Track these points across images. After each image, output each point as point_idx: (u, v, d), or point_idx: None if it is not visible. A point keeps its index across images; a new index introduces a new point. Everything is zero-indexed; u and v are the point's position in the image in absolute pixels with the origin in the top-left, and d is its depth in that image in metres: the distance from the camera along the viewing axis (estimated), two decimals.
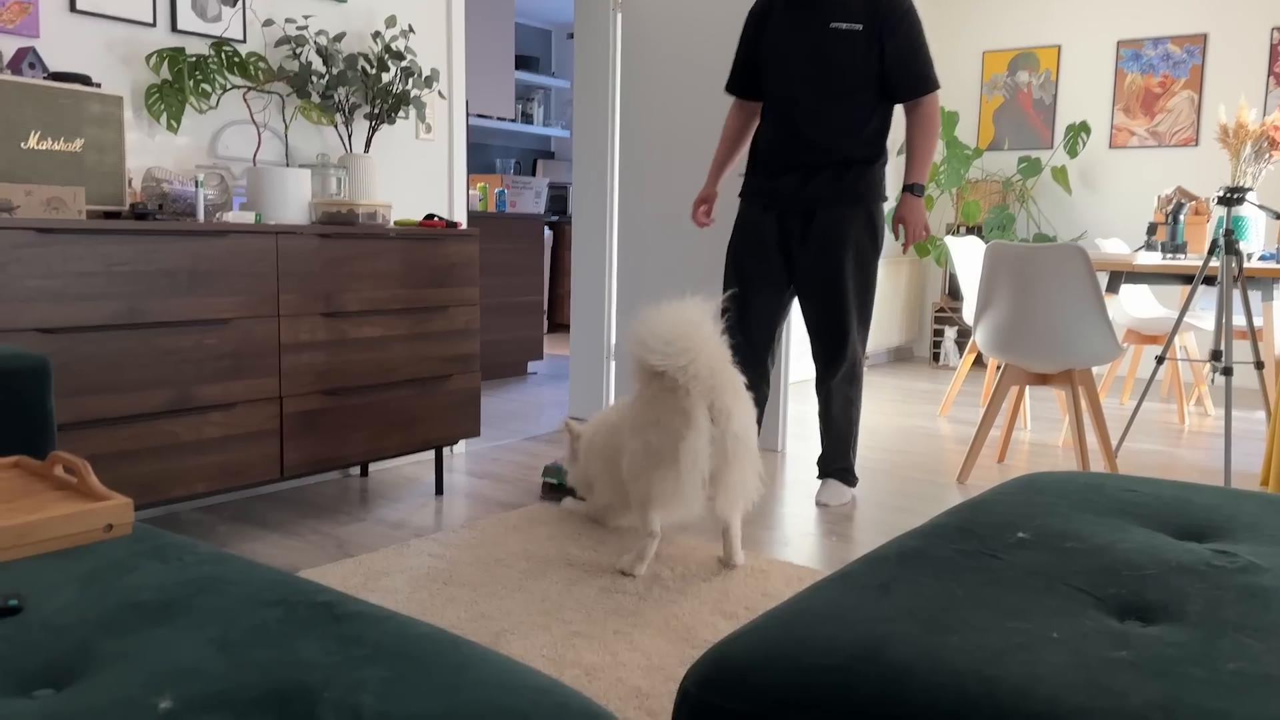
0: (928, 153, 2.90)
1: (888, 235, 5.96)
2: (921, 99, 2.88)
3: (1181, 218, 4.02)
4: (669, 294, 3.97)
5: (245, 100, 2.94)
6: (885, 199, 2.99)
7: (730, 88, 3.12)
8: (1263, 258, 3.85)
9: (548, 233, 6.82)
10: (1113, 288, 3.79)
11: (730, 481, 2.27)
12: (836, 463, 3.08)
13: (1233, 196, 3.26)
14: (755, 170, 3.04)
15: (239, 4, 2.88)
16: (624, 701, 1.72)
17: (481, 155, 7.46)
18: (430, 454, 3.52)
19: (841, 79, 2.86)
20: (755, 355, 3.07)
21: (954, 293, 6.36)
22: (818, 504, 3.03)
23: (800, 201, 2.95)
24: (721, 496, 2.29)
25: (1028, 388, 4.55)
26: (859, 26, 2.82)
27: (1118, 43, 5.88)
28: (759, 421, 3.16)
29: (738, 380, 2.28)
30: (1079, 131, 5.83)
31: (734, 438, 2.23)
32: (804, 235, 2.96)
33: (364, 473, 3.32)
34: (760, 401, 3.19)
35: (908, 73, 2.85)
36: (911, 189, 2.89)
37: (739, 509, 2.36)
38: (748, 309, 3.05)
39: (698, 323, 2.21)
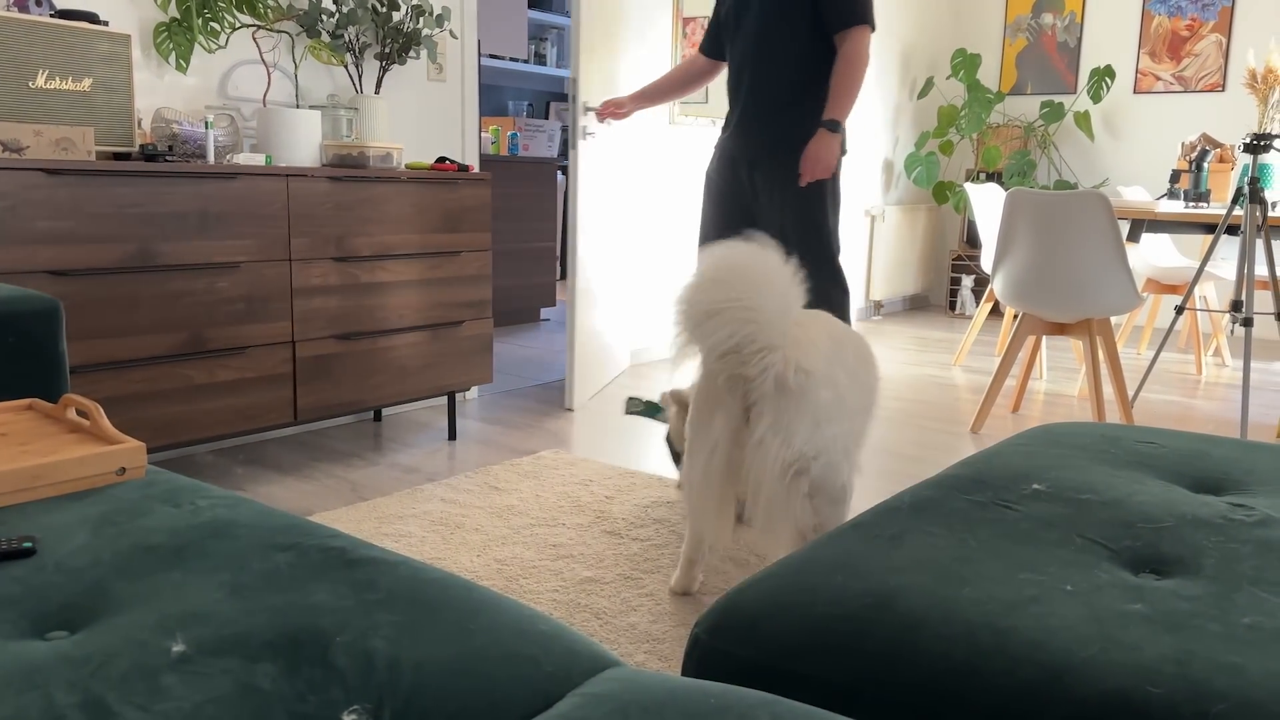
0: (846, 89, 2.77)
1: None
2: (846, 32, 2.76)
3: (1206, 165, 3.94)
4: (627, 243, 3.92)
5: (254, 39, 2.90)
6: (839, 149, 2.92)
7: (701, 48, 3.08)
8: None
9: (560, 177, 6.76)
10: (1134, 236, 3.74)
11: (758, 513, 1.69)
12: None
13: (1259, 144, 3.19)
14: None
15: None
16: (634, 647, 1.74)
17: (493, 97, 7.37)
18: (443, 399, 3.53)
19: (774, 16, 2.79)
20: None
21: (972, 240, 6.29)
22: None
23: (748, 149, 2.91)
24: (754, 522, 1.72)
25: (1044, 337, 4.52)
26: None
27: None
28: None
29: (795, 391, 1.66)
30: (1103, 76, 5.70)
31: (769, 459, 1.64)
32: (752, 183, 2.94)
33: (377, 417, 3.33)
34: None
35: (832, 4, 2.75)
36: (825, 124, 2.78)
37: (775, 544, 1.72)
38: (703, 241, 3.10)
39: (754, 281, 1.65)
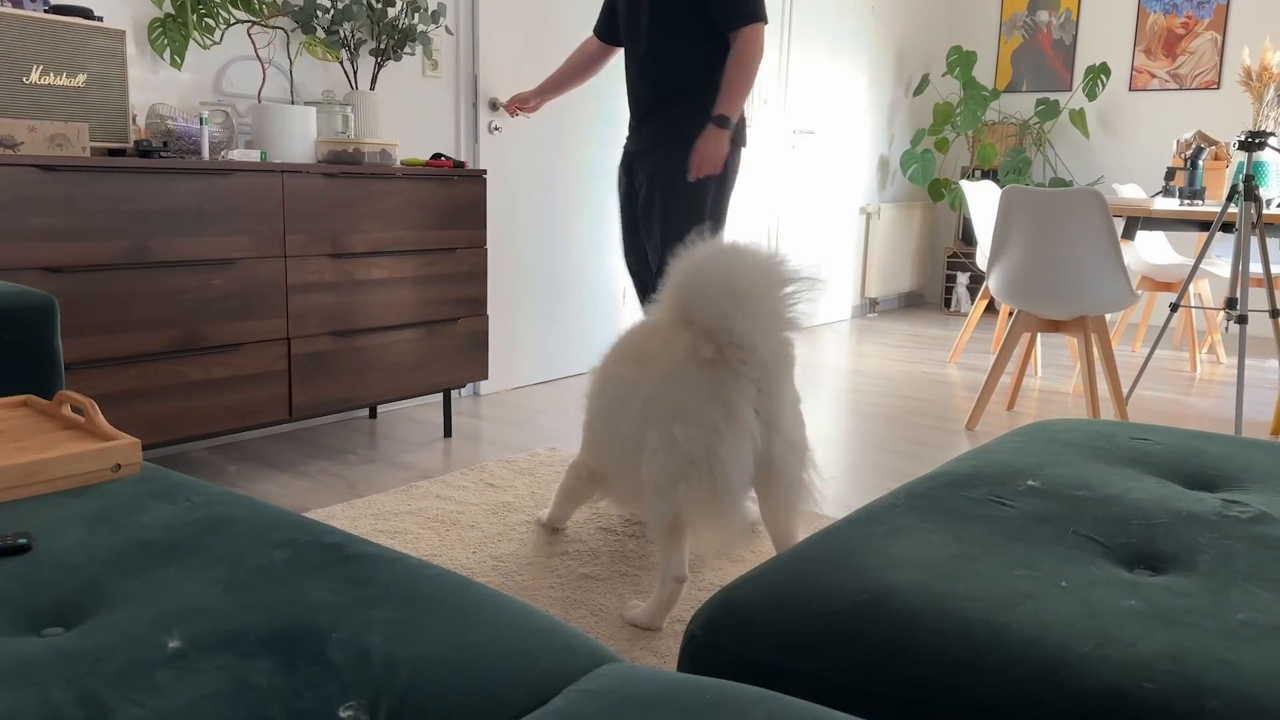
0: (737, 86, 2.78)
1: None
2: (738, 31, 2.77)
3: (1201, 163, 3.95)
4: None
5: (249, 35, 2.89)
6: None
7: (595, 30, 3.10)
8: None
9: None
10: (1129, 234, 3.74)
11: (778, 498, 1.77)
12: None
13: (1254, 141, 3.20)
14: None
15: None
16: (630, 643, 1.74)
17: None
18: (438, 396, 3.53)
19: (664, 16, 2.79)
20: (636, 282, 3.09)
21: (967, 238, 6.30)
22: None
23: (636, 145, 2.92)
24: (772, 515, 1.81)
25: (1039, 334, 4.53)
26: None
27: None
28: None
29: (791, 362, 1.74)
30: (1098, 73, 5.71)
31: (784, 440, 1.72)
32: (643, 177, 2.93)
33: (372, 414, 3.33)
34: None
35: (723, 3, 2.75)
36: (714, 120, 2.78)
37: (796, 526, 1.85)
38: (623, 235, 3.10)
39: (774, 279, 1.66)
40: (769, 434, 1.69)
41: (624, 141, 3.03)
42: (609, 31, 3.04)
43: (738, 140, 2.91)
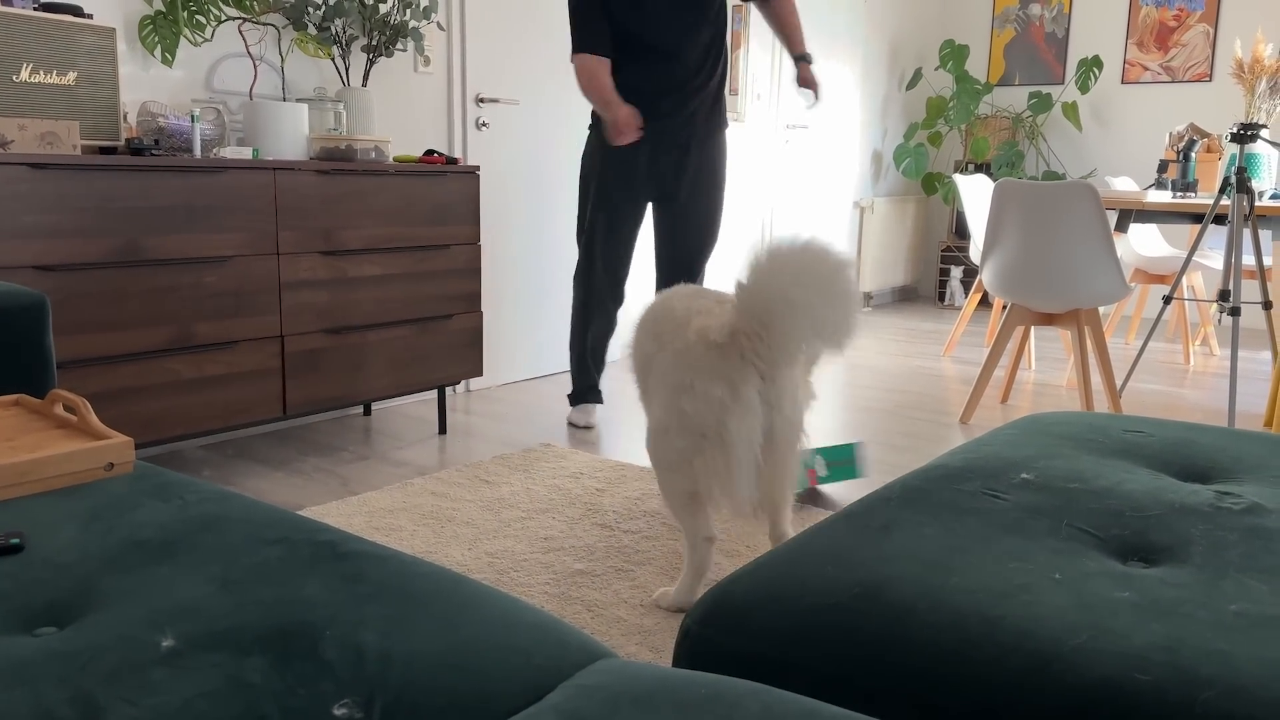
0: (800, 25, 3.12)
1: None
2: None
3: (1193, 155, 3.95)
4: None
5: (241, 32, 2.88)
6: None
7: (601, 51, 2.87)
8: (1274, 196, 3.79)
9: None
10: (1121, 226, 3.75)
11: (773, 476, 1.81)
12: None
13: (1246, 133, 3.20)
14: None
15: None
16: (626, 638, 1.74)
17: None
18: (433, 393, 3.53)
19: None
20: (618, 285, 3.19)
21: (961, 231, 6.30)
22: None
23: (677, 133, 3.01)
24: (767, 486, 1.83)
25: (1032, 327, 4.54)
26: None
27: None
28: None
29: (799, 351, 1.73)
30: (1091, 66, 5.71)
31: (785, 421, 1.75)
32: (679, 165, 3.04)
33: (367, 411, 3.32)
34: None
35: None
36: (803, 57, 3.08)
37: (786, 509, 1.92)
38: (617, 237, 3.11)
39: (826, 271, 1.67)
40: (770, 413, 1.74)
41: (651, 126, 2.95)
42: (607, 43, 2.91)
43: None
